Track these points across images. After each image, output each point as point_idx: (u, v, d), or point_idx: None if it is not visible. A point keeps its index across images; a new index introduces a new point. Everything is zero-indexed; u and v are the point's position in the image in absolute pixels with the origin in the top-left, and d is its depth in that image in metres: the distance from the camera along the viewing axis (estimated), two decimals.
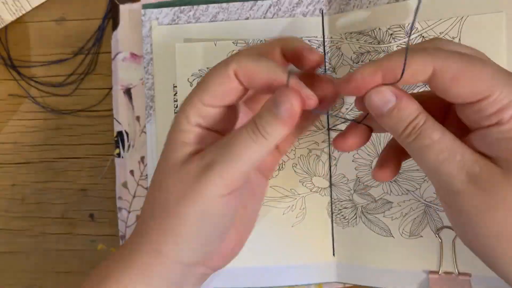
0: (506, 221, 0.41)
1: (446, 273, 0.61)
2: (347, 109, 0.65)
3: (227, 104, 0.48)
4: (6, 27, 0.76)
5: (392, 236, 0.64)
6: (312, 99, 0.45)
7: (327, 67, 0.66)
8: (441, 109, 0.49)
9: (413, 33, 0.62)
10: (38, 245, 0.77)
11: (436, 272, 0.62)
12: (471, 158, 0.42)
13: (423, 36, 0.61)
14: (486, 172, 0.41)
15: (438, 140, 0.42)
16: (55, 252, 0.77)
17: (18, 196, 0.77)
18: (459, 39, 0.60)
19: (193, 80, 0.68)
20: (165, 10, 0.70)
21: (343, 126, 0.65)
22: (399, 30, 0.62)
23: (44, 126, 0.76)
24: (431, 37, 0.61)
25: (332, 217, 0.66)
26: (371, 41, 0.64)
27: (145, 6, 0.71)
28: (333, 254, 0.66)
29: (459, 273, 0.61)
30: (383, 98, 0.44)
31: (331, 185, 0.67)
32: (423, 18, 0.62)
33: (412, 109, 0.43)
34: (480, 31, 0.60)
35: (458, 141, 0.43)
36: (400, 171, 0.62)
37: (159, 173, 0.50)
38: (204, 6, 0.69)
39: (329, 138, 0.66)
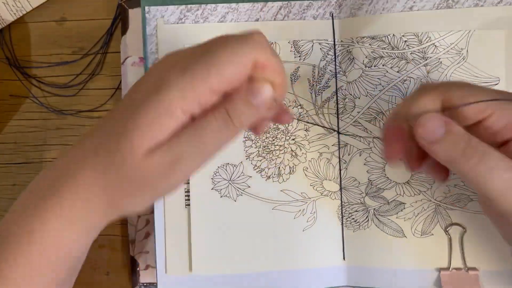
0: None
1: (456, 269, 0.63)
2: (358, 112, 0.66)
3: (228, 91, 0.44)
4: (8, 27, 0.75)
5: (405, 237, 0.65)
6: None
7: (337, 71, 0.67)
8: None
9: (426, 42, 0.64)
10: None
11: (447, 269, 0.63)
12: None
13: (435, 45, 0.64)
14: None
15: (503, 158, 0.43)
16: None
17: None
18: (467, 50, 0.64)
19: None
20: (171, 8, 0.68)
21: (352, 129, 0.66)
22: (413, 38, 0.64)
23: (44, 126, 0.76)
24: (443, 46, 0.64)
25: (342, 220, 0.67)
26: (384, 46, 0.64)
27: (147, 1, 0.69)
28: (343, 258, 0.67)
29: (468, 269, 0.63)
30: (435, 123, 0.45)
31: (341, 188, 0.67)
32: (436, 29, 0.64)
33: (463, 131, 0.44)
34: (483, 45, 0.64)
35: (497, 151, 0.44)
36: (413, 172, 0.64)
37: (114, 159, 0.44)
38: (213, 5, 0.68)
39: (339, 141, 0.67)
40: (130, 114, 0.43)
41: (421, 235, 0.65)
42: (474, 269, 0.63)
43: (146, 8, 0.69)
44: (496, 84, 0.63)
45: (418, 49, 0.64)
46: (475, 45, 0.64)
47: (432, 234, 0.65)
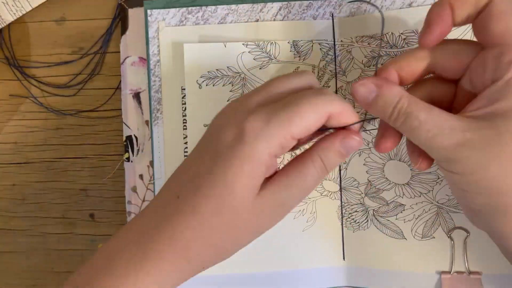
0: (503, 176, 0.44)
1: (458, 272, 0.62)
2: (357, 112, 0.65)
3: (306, 137, 0.50)
4: (8, 27, 0.75)
5: (405, 238, 0.64)
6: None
7: (337, 71, 0.66)
8: (447, 93, 0.52)
9: None
10: (38, 245, 0.77)
11: (448, 272, 0.62)
12: (461, 127, 0.45)
13: None
14: (477, 135, 0.44)
15: (425, 119, 0.45)
16: (55, 252, 0.77)
17: (19, 196, 0.77)
18: None
19: (202, 81, 0.67)
20: (172, 11, 0.69)
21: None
22: (413, 35, 0.63)
23: (44, 126, 0.76)
24: None
25: (342, 221, 0.67)
26: (383, 45, 0.64)
27: (149, 5, 0.70)
28: (343, 258, 0.66)
29: (470, 272, 0.62)
30: (366, 88, 0.49)
31: (341, 188, 0.67)
32: None
33: (393, 94, 0.47)
34: None
35: (445, 113, 0.46)
36: (413, 173, 0.63)
37: (221, 206, 0.48)
38: (213, 7, 0.68)
39: None
40: (221, 169, 0.47)
41: (422, 238, 0.64)
42: (476, 272, 0.62)
43: (148, 11, 0.70)
44: None
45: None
46: None
47: (434, 237, 0.63)
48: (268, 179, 0.49)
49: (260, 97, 0.50)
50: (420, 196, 0.64)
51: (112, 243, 0.52)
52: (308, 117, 0.46)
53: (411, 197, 0.64)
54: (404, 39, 0.63)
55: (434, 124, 0.45)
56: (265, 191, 0.48)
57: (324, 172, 0.50)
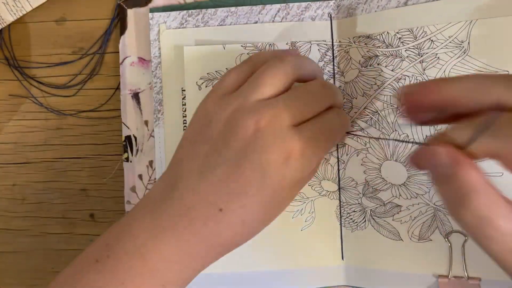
0: None
1: (456, 277, 0.62)
2: (355, 112, 0.65)
3: None
4: (8, 27, 0.75)
5: (401, 240, 0.64)
6: None
7: (335, 71, 0.66)
8: None
9: (421, 37, 0.62)
10: (38, 245, 0.77)
11: (446, 276, 0.62)
12: None
13: (431, 40, 0.62)
14: None
15: (505, 229, 0.35)
16: (55, 252, 0.77)
17: (19, 196, 0.77)
18: (468, 42, 0.60)
19: (202, 83, 0.68)
20: (173, 13, 0.70)
21: (349, 129, 0.65)
22: (408, 34, 0.63)
23: (44, 126, 0.76)
24: (440, 40, 0.61)
25: (340, 220, 0.67)
26: (379, 45, 0.64)
27: (152, 10, 0.71)
28: (342, 258, 0.66)
29: (469, 277, 0.61)
30: (444, 158, 0.38)
31: (339, 188, 0.67)
32: (432, 22, 0.62)
33: (472, 182, 0.36)
34: (488, 35, 0.59)
35: None
36: (409, 174, 0.63)
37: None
38: (213, 10, 0.69)
39: None
40: (270, 191, 0.51)
41: (419, 240, 0.63)
42: (475, 278, 0.61)
43: (150, 14, 0.71)
44: None
45: (413, 45, 0.63)
46: (478, 36, 0.59)
47: (431, 240, 0.63)
48: None
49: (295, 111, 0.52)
50: (416, 198, 0.63)
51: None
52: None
53: (407, 198, 0.63)
54: (400, 38, 0.63)
55: None
56: None
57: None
